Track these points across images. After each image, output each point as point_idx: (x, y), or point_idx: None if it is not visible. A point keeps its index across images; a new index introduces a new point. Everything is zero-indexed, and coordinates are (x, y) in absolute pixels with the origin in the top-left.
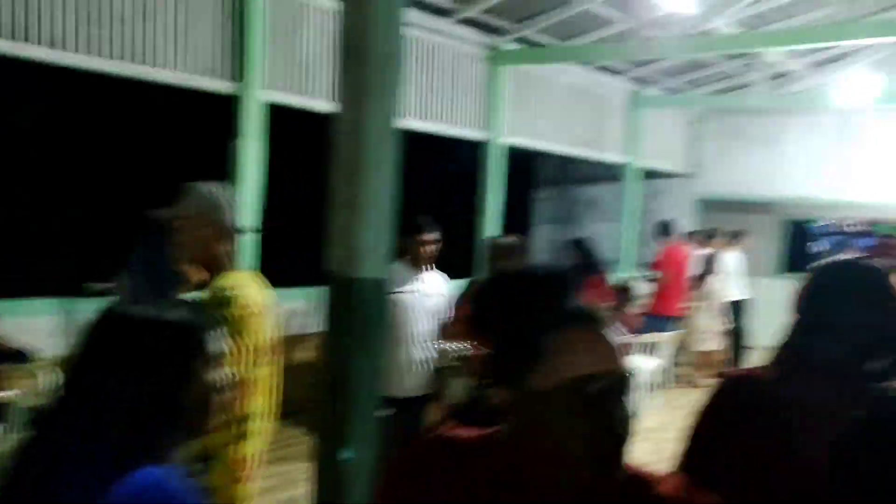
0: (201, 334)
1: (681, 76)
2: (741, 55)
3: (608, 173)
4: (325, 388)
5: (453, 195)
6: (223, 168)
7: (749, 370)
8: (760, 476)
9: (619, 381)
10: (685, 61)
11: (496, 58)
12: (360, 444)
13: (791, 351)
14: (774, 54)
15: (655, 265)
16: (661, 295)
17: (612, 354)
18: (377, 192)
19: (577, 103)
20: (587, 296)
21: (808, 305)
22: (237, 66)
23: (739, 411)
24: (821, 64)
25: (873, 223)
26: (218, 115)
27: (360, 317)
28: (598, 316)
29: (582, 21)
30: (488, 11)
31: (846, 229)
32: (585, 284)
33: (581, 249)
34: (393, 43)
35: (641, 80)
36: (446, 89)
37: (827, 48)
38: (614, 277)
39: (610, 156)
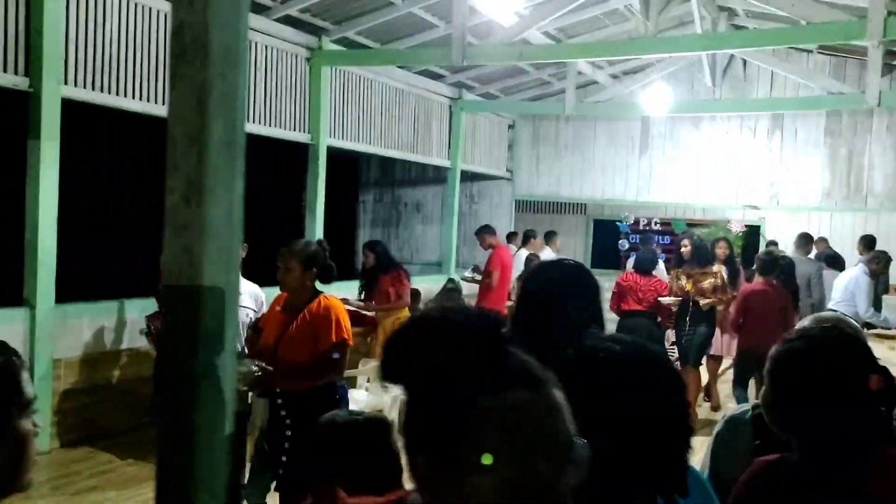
0: (16, 377)
1: (499, 82)
2: (553, 64)
3: (432, 176)
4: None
5: (278, 199)
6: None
7: None
8: None
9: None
10: (503, 68)
11: (317, 58)
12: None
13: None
14: (583, 65)
15: (485, 266)
16: (490, 296)
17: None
18: (223, 204)
19: (401, 106)
20: (385, 293)
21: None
22: (30, 58)
23: None
24: (625, 74)
25: (672, 221)
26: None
27: (201, 328)
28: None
29: (404, 25)
30: (307, 10)
31: (649, 227)
32: (383, 283)
33: (375, 251)
34: (237, 39)
35: (462, 85)
36: (266, 89)
37: (628, 60)
38: (437, 279)
39: (433, 159)
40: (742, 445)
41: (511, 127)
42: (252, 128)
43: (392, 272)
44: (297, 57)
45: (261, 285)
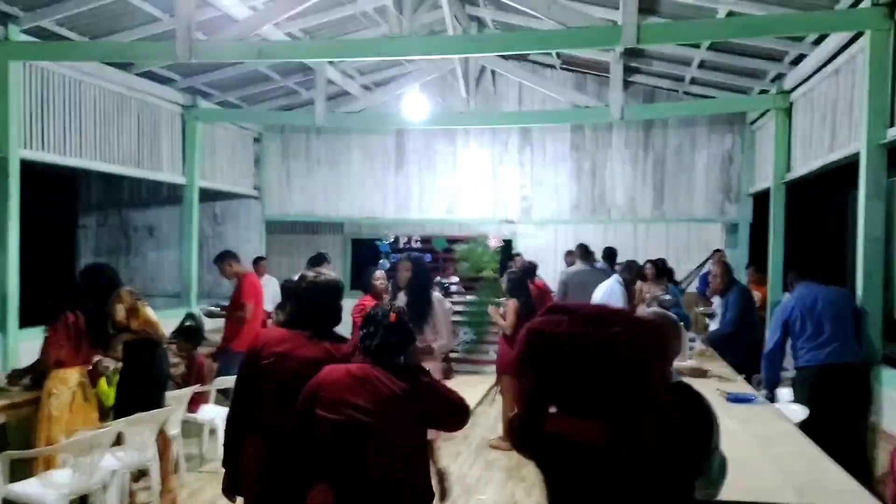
0: None
1: (240, 90)
2: (301, 71)
3: (167, 195)
4: None
5: None
6: None
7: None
8: None
9: None
10: (243, 73)
11: (2, 51)
12: None
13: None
14: (333, 73)
15: (234, 297)
16: (244, 331)
17: None
18: None
19: (120, 114)
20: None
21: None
22: None
23: None
24: (377, 86)
25: (432, 238)
26: None
27: None
28: None
29: (118, 16)
30: None
31: (410, 246)
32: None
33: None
34: None
35: (197, 92)
36: None
37: (381, 70)
38: (178, 313)
39: (165, 175)
40: None
41: (257, 140)
42: None
43: None
44: None
45: None
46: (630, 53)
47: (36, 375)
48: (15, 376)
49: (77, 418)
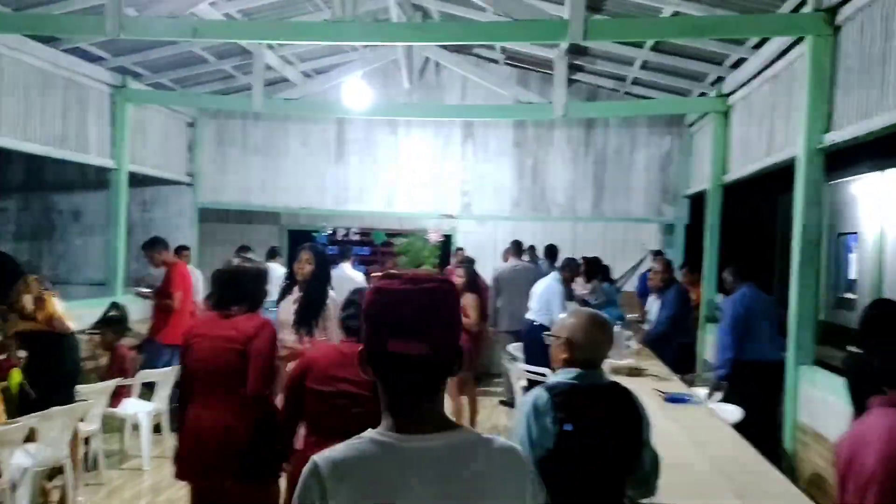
0: None
1: (173, 72)
2: (238, 55)
3: (94, 179)
4: None
5: None
6: None
7: None
8: None
9: None
10: (177, 55)
11: None
12: None
13: None
14: (272, 58)
15: (163, 285)
16: (172, 320)
17: None
18: None
19: (43, 91)
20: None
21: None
22: None
23: None
24: (318, 73)
25: (371, 231)
26: None
27: None
28: None
29: None
30: None
31: (348, 238)
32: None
33: None
34: None
35: (127, 72)
36: None
37: (321, 58)
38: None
39: (92, 157)
40: (549, 420)
41: (191, 125)
42: None
43: None
44: None
45: None
46: (574, 51)
47: None
48: None
49: None
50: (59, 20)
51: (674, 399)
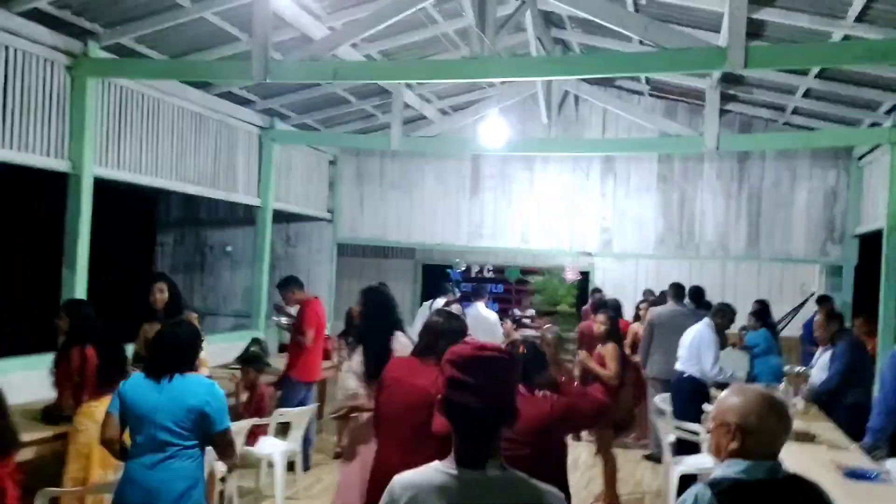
0: None
1: (317, 112)
2: (378, 94)
3: (243, 216)
4: None
5: (27, 240)
6: None
7: None
8: None
9: None
10: (320, 96)
11: (81, 67)
12: None
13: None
14: (411, 97)
15: (298, 321)
16: (306, 357)
17: None
18: None
19: (198, 134)
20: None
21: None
22: None
23: None
24: (455, 110)
25: (504, 268)
26: None
27: None
28: None
29: (197, 35)
30: (66, 6)
31: (482, 274)
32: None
33: (72, 313)
34: None
35: (275, 114)
36: (6, 102)
37: (459, 94)
38: (245, 335)
39: (240, 196)
40: None
41: (332, 163)
42: None
43: None
44: (53, 64)
45: None
46: (727, 80)
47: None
48: (51, 409)
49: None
50: (212, 66)
51: (856, 474)
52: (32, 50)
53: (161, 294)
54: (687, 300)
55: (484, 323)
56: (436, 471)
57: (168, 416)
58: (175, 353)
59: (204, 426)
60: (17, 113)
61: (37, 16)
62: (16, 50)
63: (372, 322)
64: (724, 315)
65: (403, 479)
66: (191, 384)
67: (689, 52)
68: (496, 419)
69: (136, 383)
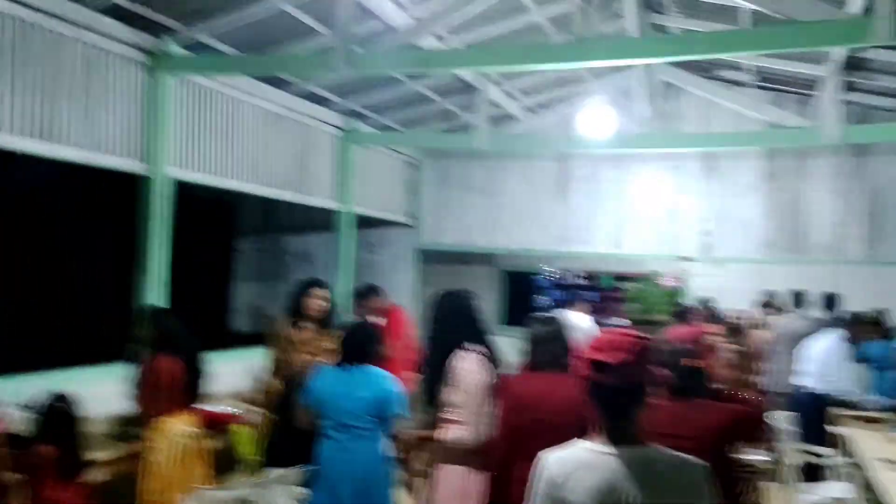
0: None
1: (398, 111)
2: (460, 92)
3: (324, 221)
4: None
5: (98, 244)
6: None
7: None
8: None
9: None
10: (401, 95)
11: (158, 64)
12: None
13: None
14: (496, 93)
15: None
16: (390, 367)
17: None
18: None
19: (276, 135)
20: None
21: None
22: None
23: None
24: (541, 108)
25: (597, 274)
26: None
27: None
28: None
29: (276, 29)
30: (145, 2)
31: (571, 281)
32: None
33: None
34: None
35: (354, 114)
36: (80, 100)
37: (548, 90)
38: None
39: (317, 200)
40: None
41: (414, 166)
42: (64, 151)
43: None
44: (129, 61)
45: None
46: (847, 66)
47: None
48: (123, 424)
49: (187, 473)
50: (292, 61)
51: None
52: (108, 46)
53: (325, 303)
54: (811, 307)
55: (577, 332)
56: (587, 450)
57: (355, 402)
58: (364, 348)
59: (384, 411)
60: (92, 112)
61: (113, 11)
62: (92, 46)
63: (439, 336)
64: (857, 326)
65: (557, 457)
66: (374, 375)
67: (822, 25)
68: (635, 397)
69: (326, 375)
